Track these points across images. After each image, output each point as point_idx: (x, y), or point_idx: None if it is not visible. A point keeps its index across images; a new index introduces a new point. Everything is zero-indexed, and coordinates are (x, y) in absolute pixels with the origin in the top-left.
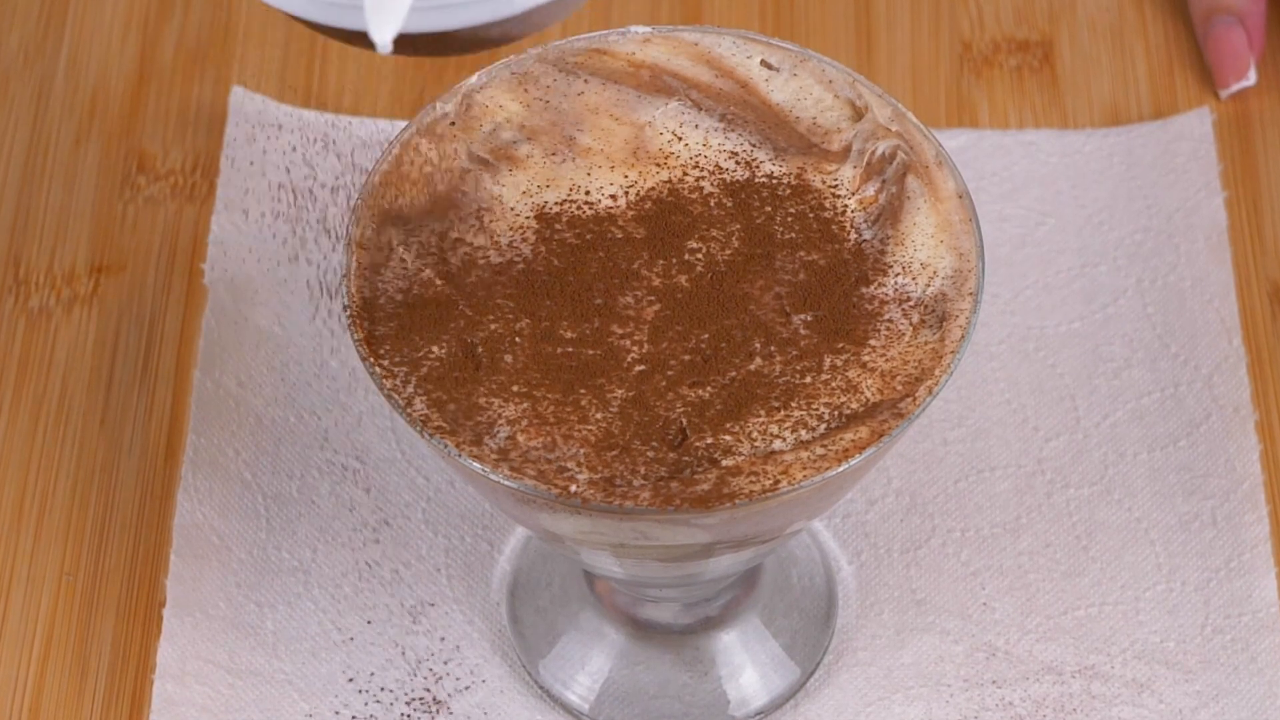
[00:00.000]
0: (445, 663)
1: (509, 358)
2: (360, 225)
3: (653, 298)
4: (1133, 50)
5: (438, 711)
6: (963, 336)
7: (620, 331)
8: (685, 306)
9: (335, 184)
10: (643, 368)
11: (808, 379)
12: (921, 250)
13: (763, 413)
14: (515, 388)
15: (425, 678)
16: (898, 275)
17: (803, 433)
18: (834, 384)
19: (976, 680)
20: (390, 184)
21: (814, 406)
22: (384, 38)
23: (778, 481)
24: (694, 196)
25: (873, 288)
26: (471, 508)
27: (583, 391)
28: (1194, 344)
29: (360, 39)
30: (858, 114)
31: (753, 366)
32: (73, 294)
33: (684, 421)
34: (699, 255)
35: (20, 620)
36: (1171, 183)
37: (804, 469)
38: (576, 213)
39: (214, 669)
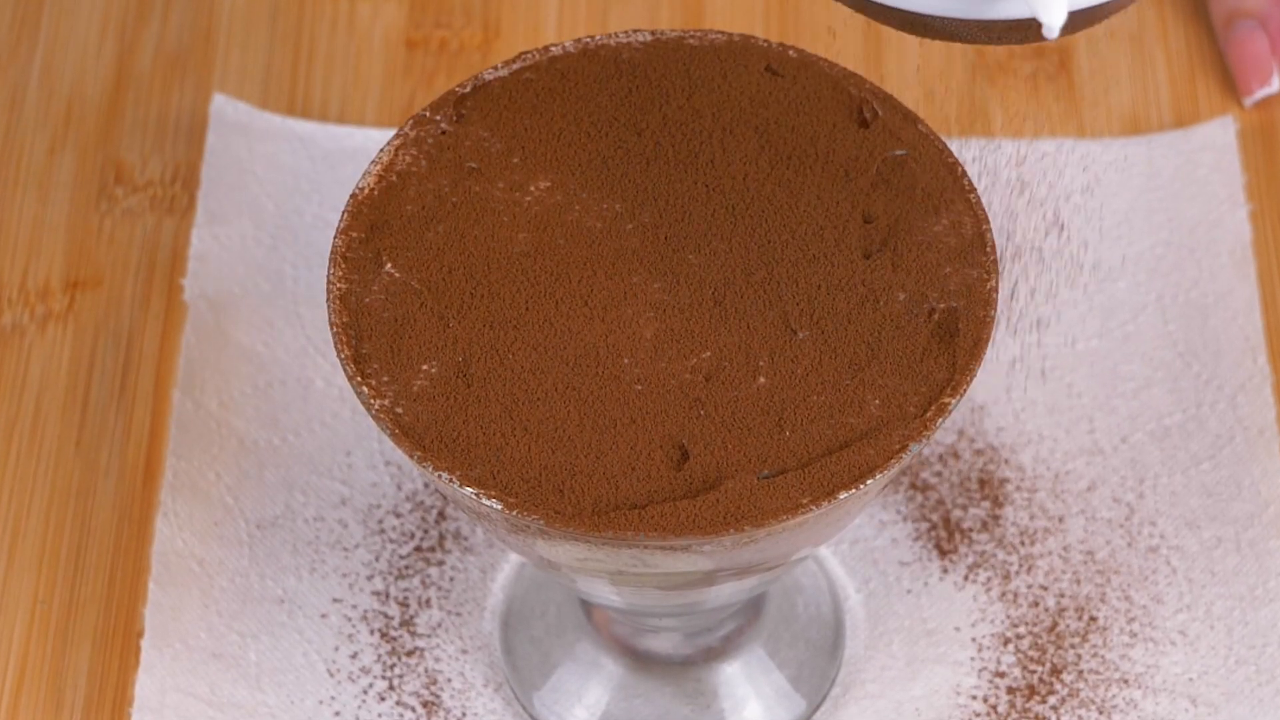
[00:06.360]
0: (436, 695)
1: (502, 376)
2: (346, 238)
3: (652, 314)
4: (1153, 57)
5: None
6: (976, 355)
7: (619, 349)
8: (686, 323)
9: (320, 195)
10: (641, 387)
11: (813, 398)
12: (932, 264)
13: (766, 434)
14: (508, 408)
15: (415, 710)
16: (907, 291)
17: (808, 455)
18: (841, 404)
19: (989, 713)
20: (378, 195)
21: (820, 428)
22: (1055, 20)
23: (782, 506)
24: (694, 208)
25: (881, 304)
26: (463, 533)
27: (579, 412)
28: (1217, 363)
29: (1010, 33)
30: (865, 122)
31: (756, 386)
32: (47, 310)
33: (684, 443)
34: (700, 270)
35: None
36: (1193, 194)
37: (810, 493)
38: (574, 224)
39: (194, 702)
